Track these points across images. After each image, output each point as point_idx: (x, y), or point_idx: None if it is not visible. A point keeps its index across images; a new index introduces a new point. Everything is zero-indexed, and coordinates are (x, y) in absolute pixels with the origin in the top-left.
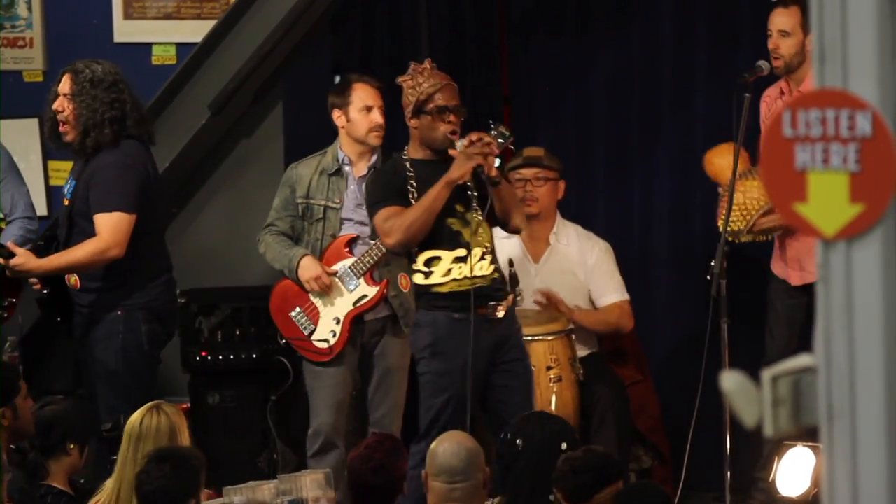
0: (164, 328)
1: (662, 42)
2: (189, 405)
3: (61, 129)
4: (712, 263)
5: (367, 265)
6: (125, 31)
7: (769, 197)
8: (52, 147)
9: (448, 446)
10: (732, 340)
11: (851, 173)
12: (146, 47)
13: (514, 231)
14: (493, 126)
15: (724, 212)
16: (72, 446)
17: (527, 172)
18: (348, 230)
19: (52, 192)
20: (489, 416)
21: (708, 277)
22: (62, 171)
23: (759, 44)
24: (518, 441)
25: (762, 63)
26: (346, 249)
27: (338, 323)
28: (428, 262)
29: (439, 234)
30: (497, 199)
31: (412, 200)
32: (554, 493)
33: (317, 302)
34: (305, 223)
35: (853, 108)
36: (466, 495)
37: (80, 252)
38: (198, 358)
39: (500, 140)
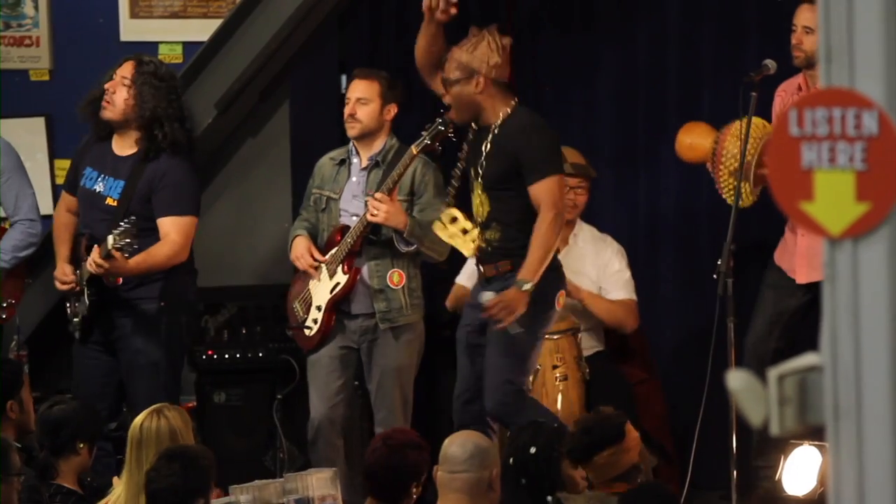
0: (195, 320)
1: (669, 41)
2: (195, 404)
3: (104, 103)
4: (719, 262)
5: (343, 253)
6: (131, 29)
7: (775, 195)
8: (81, 120)
9: (457, 439)
10: (739, 339)
11: (858, 172)
12: (152, 46)
13: None
14: (441, 112)
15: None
16: (81, 445)
17: (571, 181)
18: (344, 221)
19: (58, 191)
20: None
21: (714, 276)
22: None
23: (765, 42)
24: (532, 449)
25: (769, 62)
26: (339, 238)
27: (319, 310)
28: None
29: None
30: None
31: None
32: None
33: (311, 290)
34: (320, 214)
35: (859, 107)
36: (467, 487)
37: (160, 255)
38: (204, 357)
39: (441, 129)
